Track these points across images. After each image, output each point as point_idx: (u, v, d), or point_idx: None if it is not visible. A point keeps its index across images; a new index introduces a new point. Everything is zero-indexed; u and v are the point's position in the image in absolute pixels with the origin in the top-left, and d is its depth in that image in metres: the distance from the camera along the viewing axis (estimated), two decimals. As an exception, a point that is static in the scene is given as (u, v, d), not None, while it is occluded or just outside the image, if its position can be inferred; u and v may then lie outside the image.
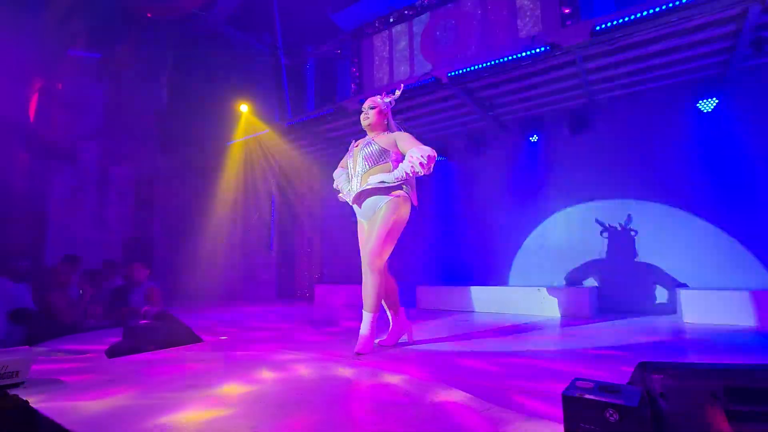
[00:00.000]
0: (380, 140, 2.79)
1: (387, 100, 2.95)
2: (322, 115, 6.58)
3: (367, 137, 2.89)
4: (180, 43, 8.12)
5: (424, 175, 2.62)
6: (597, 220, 5.34)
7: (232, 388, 1.88)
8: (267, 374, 2.12)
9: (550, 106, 5.72)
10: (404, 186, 2.71)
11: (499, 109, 5.83)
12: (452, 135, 6.59)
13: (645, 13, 3.95)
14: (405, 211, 2.72)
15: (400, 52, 6.71)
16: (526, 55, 4.63)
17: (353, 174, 2.83)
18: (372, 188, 2.68)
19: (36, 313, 3.87)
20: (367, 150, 2.78)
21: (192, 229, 8.80)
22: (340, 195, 2.98)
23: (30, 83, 6.71)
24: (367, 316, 2.67)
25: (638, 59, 4.56)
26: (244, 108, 7.71)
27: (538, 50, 4.55)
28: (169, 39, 8.00)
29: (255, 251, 8.55)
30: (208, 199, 8.81)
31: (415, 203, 2.79)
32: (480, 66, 4.96)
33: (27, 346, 2.16)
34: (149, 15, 7.06)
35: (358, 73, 7.26)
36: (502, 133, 6.24)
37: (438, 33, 6.31)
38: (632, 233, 5.12)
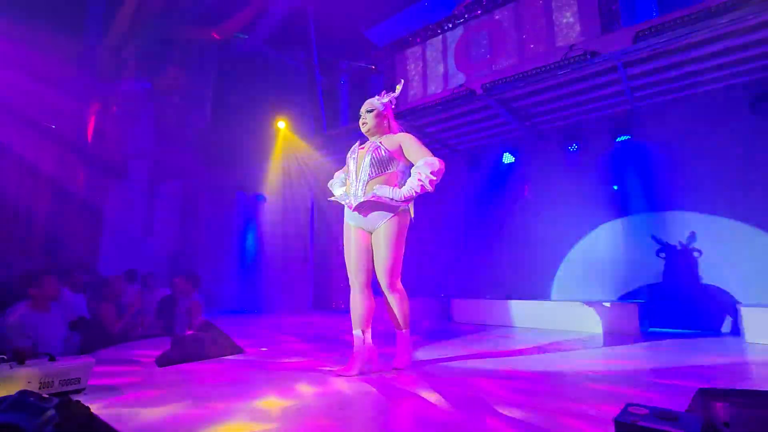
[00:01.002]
0: (386, 143, 2.58)
1: (385, 99, 2.73)
2: (356, 129, 6.71)
3: (373, 140, 2.66)
4: (222, 64, 8.57)
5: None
6: (653, 237, 5.05)
7: (274, 401, 1.92)
8: (306, 388, 2.15)
9: (590, 114, 5.55)
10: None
11: (536, 118, 5.72)
12: (488, 145, 6.51)
13: (692, 15, 3.79)
14: (406, 224, 2.59)
15: (433, 65, 6.73)
16: (564, 63, 4.54)
17: (355, 179, 2.58)
18: (375, 202, 2.48)
19: (90, 322, 4.12)
20: (375, 156, 2.54)
21: (232, 241, 9.14)
22: (334, 198, 2.74)
23: (88, 106, 7.26)
24: (400, 334, 2.67)
25: (686, 63, 4.35)
26: (281, 125, 8.01)
27: (576, 58, 4.45)
28: (212, 61, 8.46)
29: (292, 263, 8.74)
30: (248, 211, 9.15)
31: (412, 215, 2.64)
32: (514, 76, 4.91)
33: (87, 355, 2.30)
34: (200, 36, 7.48)
35: (391, 87, 7.35)
36: (540, 142, 6.10)
37: (472, 45, 6.29)
38: (689, 248, 4.81)
